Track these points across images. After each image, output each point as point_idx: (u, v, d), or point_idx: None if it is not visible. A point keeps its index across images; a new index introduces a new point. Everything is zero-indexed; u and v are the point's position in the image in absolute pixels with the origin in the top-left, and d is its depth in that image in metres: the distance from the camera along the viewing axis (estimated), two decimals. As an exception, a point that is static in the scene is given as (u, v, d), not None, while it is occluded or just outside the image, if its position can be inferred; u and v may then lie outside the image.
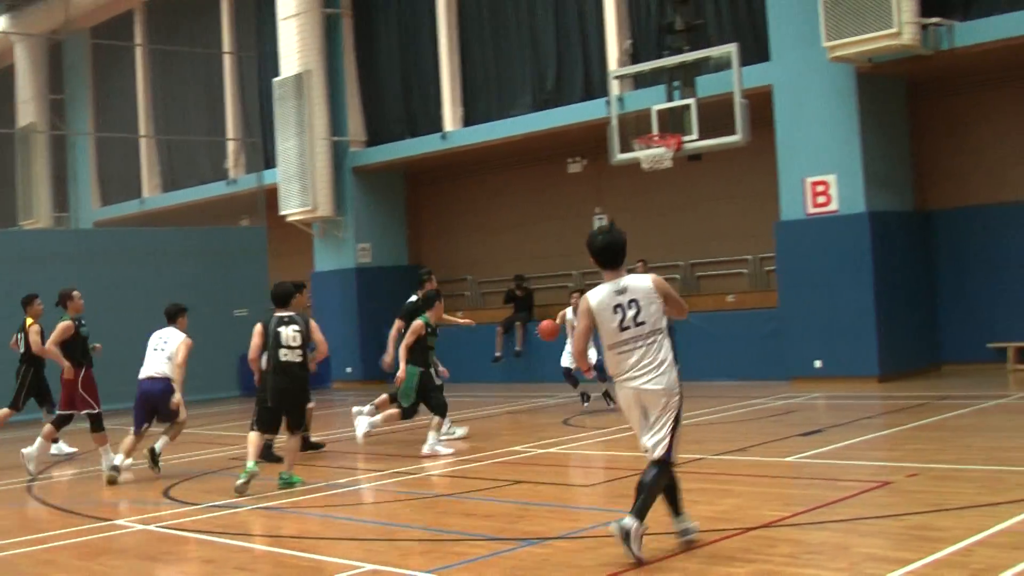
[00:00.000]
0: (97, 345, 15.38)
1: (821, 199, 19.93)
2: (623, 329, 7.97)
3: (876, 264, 19.57)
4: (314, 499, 11.72)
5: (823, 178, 19.93)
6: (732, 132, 19.24)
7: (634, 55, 22.95)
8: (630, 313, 7.96)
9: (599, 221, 25.66)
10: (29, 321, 16.36)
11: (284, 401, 12.35)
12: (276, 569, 8.86)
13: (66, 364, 14.55)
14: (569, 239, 26.14)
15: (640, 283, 8.04)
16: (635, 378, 7.99)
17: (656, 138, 20.01)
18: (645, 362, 7.97)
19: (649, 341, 7.98)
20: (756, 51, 20.87)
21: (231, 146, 32.55)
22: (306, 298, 16.12)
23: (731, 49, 19.47)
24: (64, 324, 14.67)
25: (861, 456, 11.06)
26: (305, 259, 29.85)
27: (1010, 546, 7.57)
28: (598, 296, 8.05)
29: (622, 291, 7.98)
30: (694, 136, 19.72)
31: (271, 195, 28.87)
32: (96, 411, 14.64)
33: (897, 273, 20.01)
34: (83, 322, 14.87)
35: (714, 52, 20.02)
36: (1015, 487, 9.54)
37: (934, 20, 18.28)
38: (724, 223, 23.56)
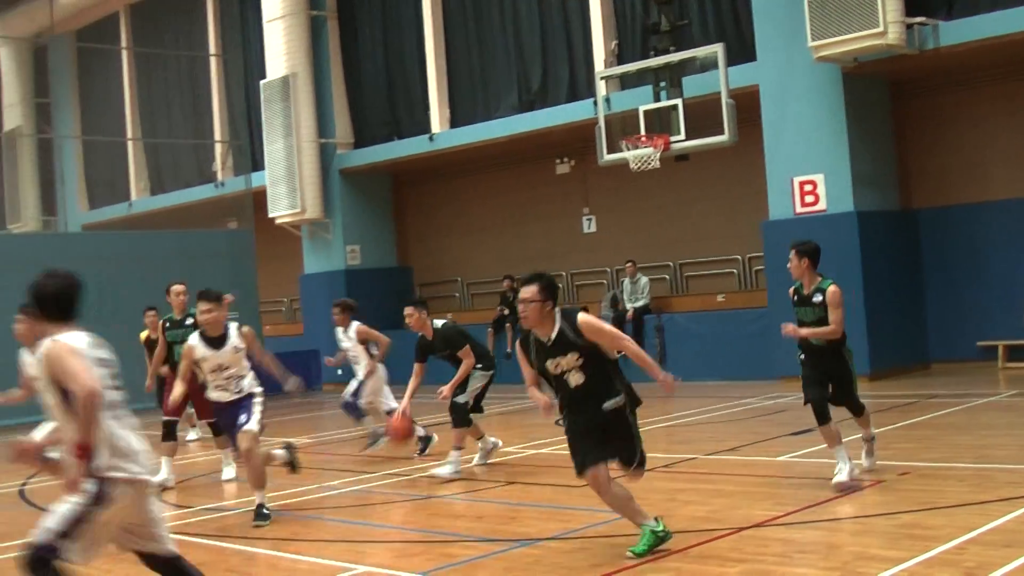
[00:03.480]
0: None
1: (809, 199, 19.97)
2: None
3: (864, 263, 19.61)
4: (306, 501, 11.73)
5: (811, 178, 19.97)
6: (719, 132, 19.30)
7: (620, 55, 22.99)
8: None
9: (587, 221, 25.70)
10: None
11: None
12: (270, 571, 8.90)
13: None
14: (557, 240, 26.20)
15: None
16: None
17: (643, 139, 20.06)
18: None
19: None
20: (741, 51, 20.91)
21: (218, 149, 32.52)
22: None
23: (716, 49, 19.53)
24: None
25: (851, 455, 11.07)
26: (294, 262, 29.86)
27: (1002, 544, 7.61)
28: None
29: None
30: (681, 136, 19.78)
31: (259, 197, 28.84)
32: (165, 419, 13.47)
33: (885, 272, 20.06)
34: (169, 324, 14.24)
35: (700, 52, 20.08)
36: (1005, 485, 9.58)
37: (919, 20, 18.34)
38: (712, 223, 23.60)
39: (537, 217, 26.84)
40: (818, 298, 10.21)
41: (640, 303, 22.85)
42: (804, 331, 10.27)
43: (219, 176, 32.34)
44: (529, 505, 10.59)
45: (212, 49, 32.71)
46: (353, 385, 15.00)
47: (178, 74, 34.55)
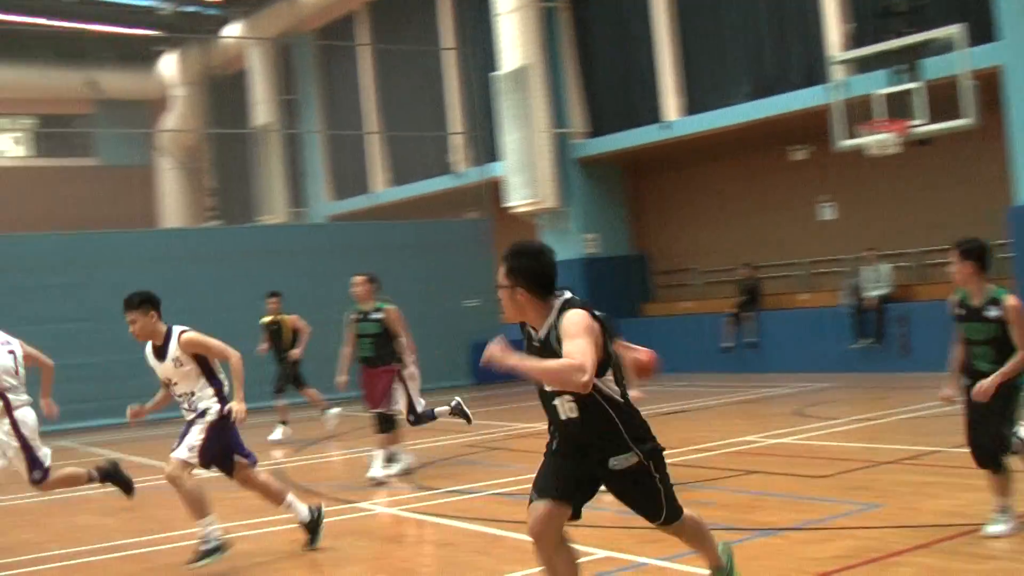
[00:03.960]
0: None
1: (1059, 183, 19.35)
2: None
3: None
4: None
5: (1061, 161, 19.34)
6: (958, 115, 18.83)
7: (857, 38, 22.57)
8: None
9: (826, 208, 25.33)
10: None
11: None
12: (513, 553, 9.10)
13: None
14: (791, 228, 25.92)
15: None
16: None
17: (882, 123, 19.72)
18: None
19: None
20: (982, 31, 20.30)
21: (455, 140, 33.14)
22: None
23: (957, 30, 19.06)
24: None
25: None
26: (532, 250, 30.22)
27: None
28: None
29: None
30: (921, 120, 19.37)
31: (496, 187, 29.36)
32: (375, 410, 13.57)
33: None
34: (355, 315, 13.78)
35: (938, 34, 19.59)
36: None
37: None
38: (952, 209, 22.95)
39: (770, 205, 26.58)
40: (992, 312, 8.24)
41: (881, 291, 22.44)
42: (988, 380, 8.26)
43: (457, 167, 32.94)
44: (770, 495, 10.61)
45: (448, 43, 33.33)
46: None
47: (415, 68, 35.28)
